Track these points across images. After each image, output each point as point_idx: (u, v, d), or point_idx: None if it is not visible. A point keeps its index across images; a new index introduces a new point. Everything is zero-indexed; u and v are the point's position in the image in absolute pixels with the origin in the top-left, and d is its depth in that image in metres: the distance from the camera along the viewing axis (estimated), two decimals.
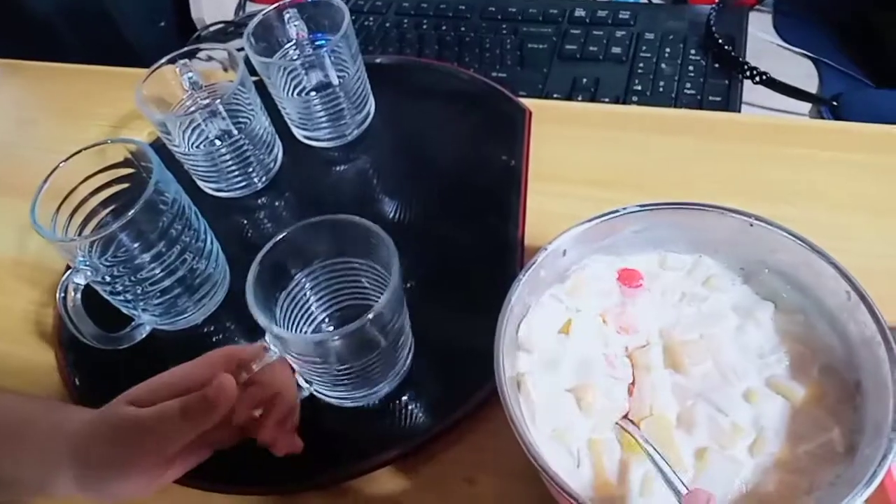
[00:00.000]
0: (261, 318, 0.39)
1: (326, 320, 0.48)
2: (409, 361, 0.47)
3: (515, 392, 0.38)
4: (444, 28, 0.80)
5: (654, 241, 0.43)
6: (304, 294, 0.46)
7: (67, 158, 0.49)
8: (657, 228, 0.42)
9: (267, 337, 0.39)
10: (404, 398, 0.47)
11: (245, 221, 0.61)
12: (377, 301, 0.39)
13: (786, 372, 0.38)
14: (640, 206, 0.41)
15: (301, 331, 0.46)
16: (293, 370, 0.44)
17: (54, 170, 0.48)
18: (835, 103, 0.64)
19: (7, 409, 0.44)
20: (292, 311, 0.45)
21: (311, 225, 0.43)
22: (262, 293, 0.41)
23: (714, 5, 0.73)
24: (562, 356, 0.40)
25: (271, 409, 0.41)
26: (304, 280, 0.45)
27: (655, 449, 0.35)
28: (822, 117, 0.65)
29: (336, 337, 0.40)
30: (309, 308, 0.47)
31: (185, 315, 0.53)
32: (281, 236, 0.42)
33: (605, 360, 0.40)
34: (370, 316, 0.38)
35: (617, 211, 0.41)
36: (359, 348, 0.41)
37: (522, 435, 0.34)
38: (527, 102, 0.63)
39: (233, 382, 0.37)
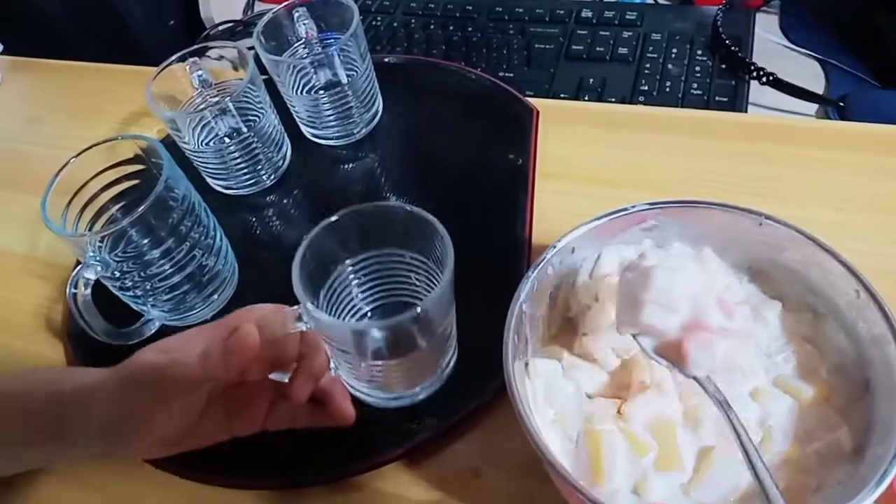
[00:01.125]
0: (301, 294, 0.37)
1: (370, 314, 0.47)
2: (447, 371, 0.45)
3: (524, 384, 0.38)
4: (451, 28, 0.80)
5: (662, 239, 0.43)
6: (350, 283, 0.45)
7: (78, 154, 0.49)
8: (666, 227, 0.42)
9: (303, 311, 0.38)
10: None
11: (253, 219, 0.61)
12: (419, 289, 0.38)
13: (793, 371, 0.38)
14: (649, 203, 0.41)
15: (342, 310, 0.45)
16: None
17: (65, 165, 0.48)
18: (841, 104, 0.64)
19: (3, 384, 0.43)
20: (336, 299, 0.44)
21: (364, 210, 0.41)
22: (306, 273, 0.39)
23: (721, 6, 0.73)
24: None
25: (300, 366, 0.40)
26: (351, 268, 0.44)
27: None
28: (829, 118, 0.65)
29: (375, 328, 0.39)
30: (353, 299, 0.45)
31: (194, 311, 0.53)
32: (333, 219, 0.40)
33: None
34: (415, 311, 0.36)
35: (626, 209, 0.41)
36: (396, 345, 0.40)
37: (528, 425, 0.34)
38: (534, 102, 0.64)
39: (255, 334, 0.37)
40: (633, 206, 0.41)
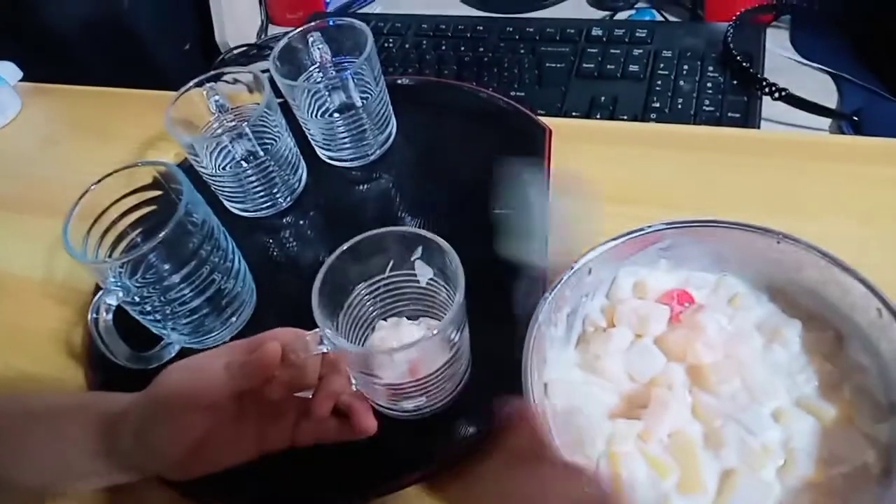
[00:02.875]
0: (320, 320, 0.39)
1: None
2: (461, 385, 0.46)
3: (543, 405, 0.38)
4: (462, 49, 0.81)
5: (680, 258, 0.43)
6: (366, 303, 0.46)
7: (98, 181, 0.50)
8: (683, 246, 0.42)
9: (323, 336, 0.39)
10: (431, 416, 0.47)
11: (270, 240, 0.61)
12: (433, 308, 0.39)
13: (815, 391, 0.38)
14: (666, 223, 0.41)
15: (360, 332, 0.47)
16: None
17: (86, 192, 0.49)
18: (855, 118, 0.64)
19: (38, 405, 0.45)
20: (354, 318, 0.46)
21: (377, 236, 0.43)
22: (325, 299, 0.41)
23: (731, 22, 0.73)
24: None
25: (321, 384, 0.41)
26: (367, 290, 0.46)
27: None
28: (843, 132, 0.65)
29: (389, 354, 0.40)
30: (370, 318, 0.47)
31: (213, 333, 0.53)
32: (347, 246, 0.43)
33: None
34: (429, 336, 0.38)
35: (643, 229, 0.41)
36: (410, 367, 0.41)
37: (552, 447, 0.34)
38: (546, 121, 0.64)
39: (278, 350, 0.39)
40: (650, 227, 0.41)
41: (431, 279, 0.45)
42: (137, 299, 0.48)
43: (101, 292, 0.46)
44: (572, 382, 0.41)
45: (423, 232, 0.42)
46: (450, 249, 0.41)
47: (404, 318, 0.47)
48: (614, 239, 0.41)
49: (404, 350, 0.39)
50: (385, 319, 0.48)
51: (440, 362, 0.42)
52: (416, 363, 0.41)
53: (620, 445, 0.38)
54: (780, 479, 0.35)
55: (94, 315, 0.46)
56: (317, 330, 0.39)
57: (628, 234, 0.41)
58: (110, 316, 0.46)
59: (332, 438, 0.43)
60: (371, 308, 0.47)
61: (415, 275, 0.45)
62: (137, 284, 0.47)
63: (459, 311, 0.39)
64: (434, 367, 0.42)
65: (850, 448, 0.35)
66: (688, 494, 0.35)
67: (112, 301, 0.46)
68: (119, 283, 0.47)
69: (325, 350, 0.40)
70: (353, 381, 0.44)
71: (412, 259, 0.44)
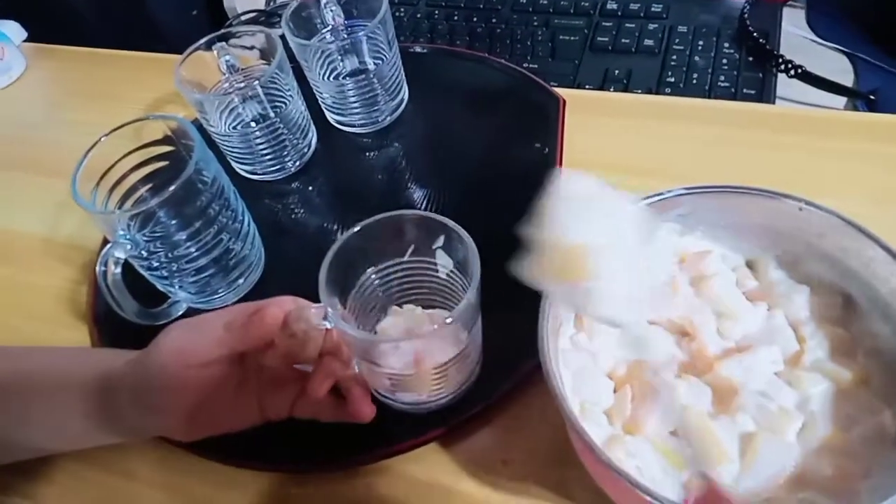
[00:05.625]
0: (325, 297, 0.38)
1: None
2: (469, 384, 0.45)
3: (559, 366, 0.38)
4: (475, 19, 0.80)
5: (694, 226, 0.43)
6: (378, 286, 0.45)
7: (108, 133, 0.49)
8: (700, 213, 0.42)
9: (330, 312, 0.38)
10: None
11: (277, 205, 0.61)
12: (450, 300, 0.38)
13: (827, 355, 0.38)
14: (686, 188, 0.40)
15: (371, 314, 0.45)
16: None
17: (95, 144, 0.48)
18: (871, 97, 0.64)
19: (40, 365, 0.45)
20: (364, 301, 0.44)
21: (391, 218, 0.41)
22: (332, 277, 0.39)
23: (747, 0, 0.72)
24: None
25: (320, 364, 0.41)
26: (379, 273, 0.44)
27: None
28: (858, 111, 0.64)
29: (391, 342, 0.39)
30: (381, 301, 0.45)
31: (219, 295, 0.53)
32: (358, 228, 0.40)
33: None
34: (434, 327, 0.37)
35: (662, 194, 0.40)
36: (416, 357, 0.40)
37: (564, 404, 0.33)
38: (560, 92, 0.63)
39: (278, 317, 0.38)
40: (670, 191, 0.40)
41: (452, 271, 0.43)
42: (145, 254, 0.47)
43: (109, 245, 0.46)
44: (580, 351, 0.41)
45: (447, 220, 0.40)
46: (471, 243, 0.39)
47: (419, 307, 0.46)
48: None
49: (406, 340, 0.38)
50: (400, 305, 0.46)
51: (446, 357, 0.40)
52: (421, 355, 0.39)
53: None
54: (801, 439, 0.34)
55: (103, 268, 0.45)
56: (322, 304, 0.38)
57: (647, 198, 0.40)
58: (119, 269, 0.45)
59: (328, 418, 0.42)
60: (384, 292, 0.45)
61: (435, 264, 0.43)
62: (146, 239, 0.47)
63: (468, 308, 0.38)
64: (440, 361, 0.40)
65: (866, 409, 0.34)
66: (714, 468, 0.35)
67: (120, 254, 0.45)
68: (128, 237, 0.46)
69: (328, 326, 0.39)
70: (355, 364, 0.43)
71: (433, 247, 0.42)
